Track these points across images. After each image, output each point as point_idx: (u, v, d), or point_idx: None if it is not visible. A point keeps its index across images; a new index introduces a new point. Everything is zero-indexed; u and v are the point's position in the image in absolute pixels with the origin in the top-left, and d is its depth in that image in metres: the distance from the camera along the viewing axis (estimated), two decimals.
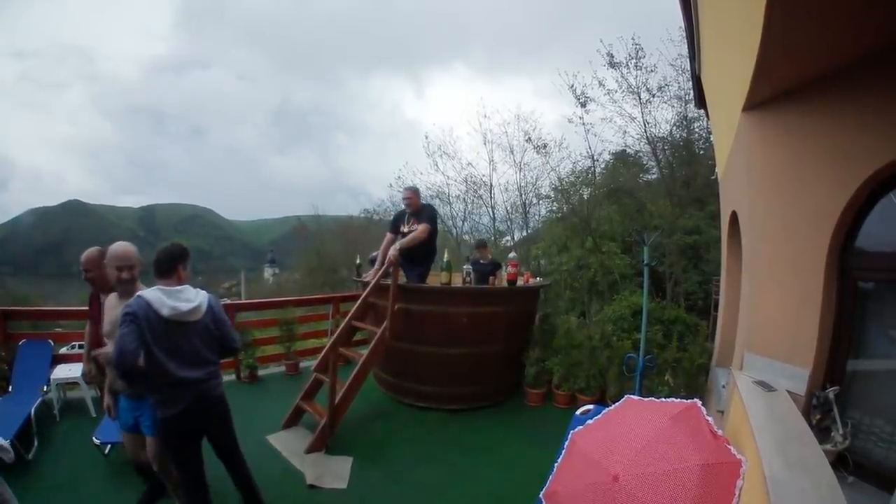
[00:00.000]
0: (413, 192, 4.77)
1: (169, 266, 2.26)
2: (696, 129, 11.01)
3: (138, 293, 2.15)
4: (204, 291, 2.37)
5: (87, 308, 2.89)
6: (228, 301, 5.75)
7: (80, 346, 8.84)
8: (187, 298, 2.23)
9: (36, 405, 3.61)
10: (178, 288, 2.23)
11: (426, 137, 14.71)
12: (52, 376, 4.06)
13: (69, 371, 4.17)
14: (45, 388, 3.95)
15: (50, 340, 4.33)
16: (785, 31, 1.83)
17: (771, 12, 1.70)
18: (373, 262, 4.90)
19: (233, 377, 5.34)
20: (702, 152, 10.91)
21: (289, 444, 3.73)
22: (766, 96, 2.56)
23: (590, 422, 2.25)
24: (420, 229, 4.48)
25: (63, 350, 6.33)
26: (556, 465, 2.21)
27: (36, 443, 3.39)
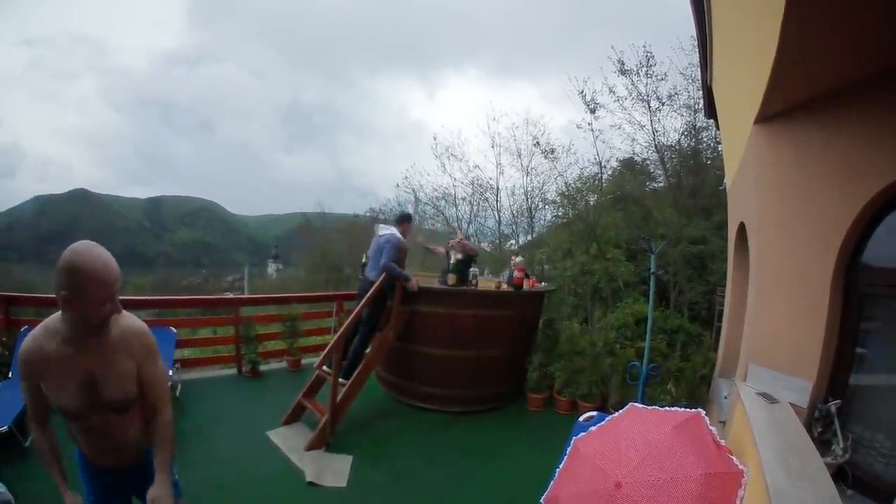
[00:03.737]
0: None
1: (397, 223, 4.56)
2: (705, 139, 10.99)
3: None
4: (392, 233, 4.36)
5: None
6: (231, 295, 5.77)
7: None
8: (382, 232, 4.46)
9: None
10: (384, 227, 4.52)
11: (434, 139, 14.67)
12: None
13: None
14: None
15: None
16: (801, 47, 1.83)
17: (787, 28, 1.70)
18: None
19: (234, 371, 5.37)
20: (709, 162, 10.89)
21: (289, 441, 3.74)
22: (778, 109, 2.56)
23: (593, 428, 2.26)
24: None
25: None
26: (557, 470, 2.21)
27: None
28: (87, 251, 1.36)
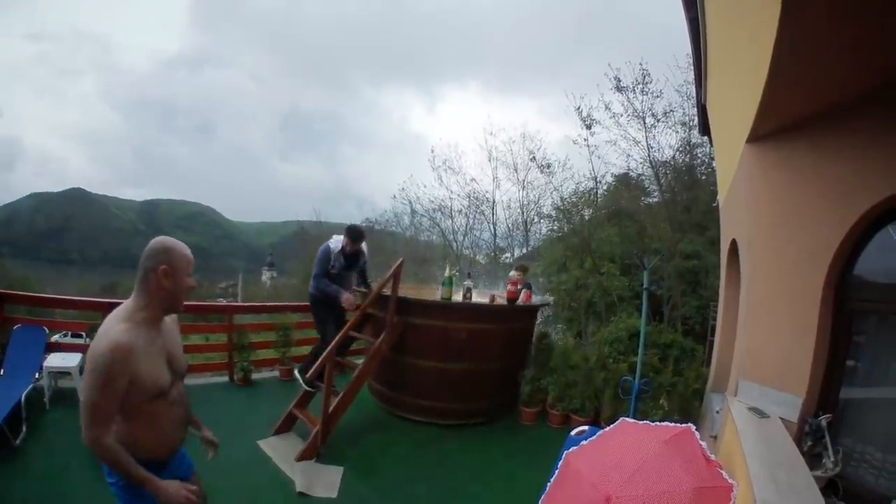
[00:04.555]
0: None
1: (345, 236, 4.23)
2: (699, 155, 11.11)
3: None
4: (326, 244, 4.24)
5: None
6: (225, 302, 5.74)
7: (74, 335, 8.76)
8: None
9: (27, 391, 3.56)
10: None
11: (432, 151, 14.86)
12: (45, 364, 4.01)
13: (63, 360, 4.13)
14: (37, 375, 3.90)
15: (45, 327, 4.27)
16: (792, 70, 1.88)
17: (779, 51, 1.75)
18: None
19: (226, 378, 5.32)
20: (703, 178, 10.99)
21: (279, 451, 3.71)
22: (769, 129, 2.61)
23: (584, 442, 2.26)
24: None
25: (55, 338, 6.25)
26: (548, 484, 2.21)
27: (24, 429, 3.35)
28: (171, 238, 1.58)
